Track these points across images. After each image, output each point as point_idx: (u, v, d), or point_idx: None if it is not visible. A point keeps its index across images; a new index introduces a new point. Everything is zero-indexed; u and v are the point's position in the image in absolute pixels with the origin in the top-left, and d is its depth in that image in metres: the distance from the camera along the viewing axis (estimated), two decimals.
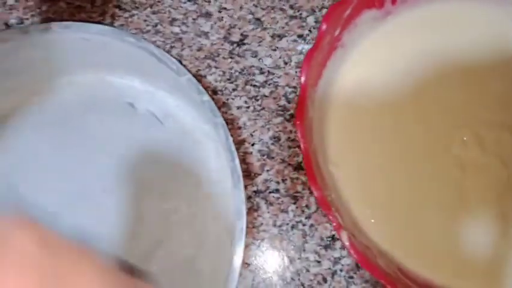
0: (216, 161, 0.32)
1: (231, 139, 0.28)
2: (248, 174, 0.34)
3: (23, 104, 0.34)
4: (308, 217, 0.32)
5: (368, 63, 0.29)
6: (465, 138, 0.27)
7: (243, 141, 0.35)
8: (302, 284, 0.31)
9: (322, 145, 0.27)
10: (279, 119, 0.35)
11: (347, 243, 0.22)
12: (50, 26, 0.30)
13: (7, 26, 0.39)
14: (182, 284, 0.30)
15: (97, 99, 0.34)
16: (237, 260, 0.25)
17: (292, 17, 0.37)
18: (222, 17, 0.38)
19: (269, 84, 0.36)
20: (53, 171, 0.32)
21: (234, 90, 0.36)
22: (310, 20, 0.37)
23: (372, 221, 0.26)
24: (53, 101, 0.34)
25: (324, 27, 0.26)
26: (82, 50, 0.32)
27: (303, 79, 0.25)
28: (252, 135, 0.35)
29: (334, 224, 0.22)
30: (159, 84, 0.33)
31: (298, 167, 0.33)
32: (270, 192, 0.33)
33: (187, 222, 0.31)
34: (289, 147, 0.34)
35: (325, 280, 0.31)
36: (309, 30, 0.37)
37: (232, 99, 0.36)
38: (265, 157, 0.34)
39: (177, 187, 0.32)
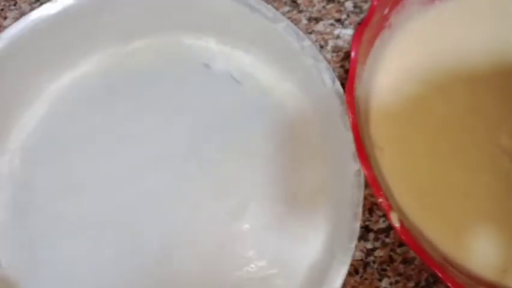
0: (299, 119, 0.31)
1: (338, 83, 0.27)
2: None
3: (99, 66, 0.33)
4: None
5: (416, 47, 0.28)
6: None
7: None
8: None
9: (367, 127, 0.26)
10: None
11: (397, 224, 0.21)
12: None
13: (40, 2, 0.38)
14: (278, 240, 0.29)
15: (173, 61, 0.33)
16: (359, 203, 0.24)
17: (329, 1, 0.36)
18: None
19: None
20: (130, 136, 0.32)
21: None
22: (349, 4, 0.36)
23: (418, 210, 0.25)
24: (129, 63, 0.34)
25: (375, 2, 0.25)
26: (163, 9, 0.31)
27: (353, 54, 0.24)
28: None
29: (383, 204, 0.21)
30: (237, 43, 0.32)
31: None
32: None
33: (273, 183, 0.30)
34: None
35: (356, 271, 0.30)
36: (347, 15, 0.36)
37: None
38: None
39: (260, 148, 0.31)
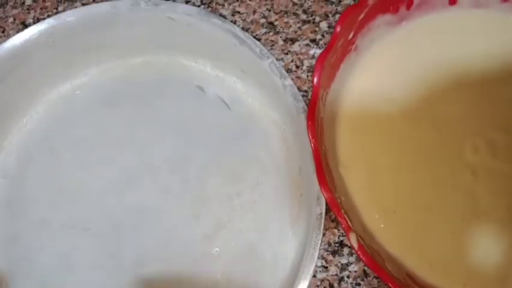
0: (281, 148, 0.33)
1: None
2: None
3: (97, 79, 0.35)
4: None
5: (382, 67, 0.29)
6: (477, 144, 0.27)
7: None
8: None
9: (332, 147, 0.27)
10: None
11: (355, 245, 0.22)
12: (139, 2, 0.31)
13: (24, 25, 0.40)
14: (244, 266, 0.30)
15: (169, 80, 0.35)
16: (316, 246, 0.25)
17: (305, 22, 0.37)
18: (235, 21, 0.38)
19: None
20: (121, 147, 0.33)
21: None
22: (324, 25, 0.37)
23: (382, 226, 0.26)
24: (126, 78, 0.35)
25: (338, 29, 0.26)
26: (164, 31, 0.33)
27: (315, 80, 0.25)
28: None
29: (343, 225, 0.22)
30: (230, 70, 0.34)
31: None
32: None
33: (250, 207, 0.31)
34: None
35: (331, 286, 0.30)
36: (322, 35, 0.37)
37: None
38: None
39: (242, 172, 0.32)
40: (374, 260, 0.22)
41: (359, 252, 0.22)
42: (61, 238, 0.32)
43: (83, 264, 0.31)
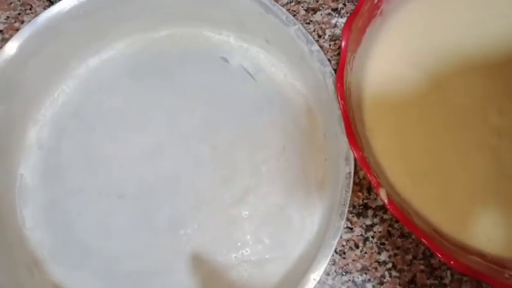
0: (305, 116, 0.34)
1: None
2: None
3: (125, 51, 0.36)
4: None
5: (407, 33, 0.29)
6: (502, 106, 0.28)
7: None
8: (335, 250, 0.31)
9: (359, 111, 0.28)
10: None
11: (385, 199, 0.23)
12: None
13: (50, 2, 0.41)
14: (272, 228, 0.31)
15: (193, 52, 0.36)
16: (346, 203, 0.26)
17: None
18: None
19: None
20: (150, 117, 0.35)
21: None
22: None
23: (410, 186, 0.27)
24: (152, 51, 0.36)
25: None
26: (189, 2, 0.33)
27: (343, 43, 0.25)
28: None
29: (373, 182, 0.23)
30: (254, 40, 0.35)
31: None
32: None
33: (276, 172, 0.32)
34: None
35: (357, 246, 0.32)
36: (344, 4, 0.37)
37: None
38: None
39: (267, 139, 0.33)
40: (403, 213, 0.23)
41: (388, 206, 0.23)
42: (97, 205, 0.33)
43: (119, 230, 0.32)
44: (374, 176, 0.23)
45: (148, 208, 0.32)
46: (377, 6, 0.28)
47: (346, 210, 0.26)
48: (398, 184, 0.27)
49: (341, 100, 0.24)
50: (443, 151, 0.27)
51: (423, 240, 0.22)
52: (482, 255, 0.25)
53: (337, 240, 0.26)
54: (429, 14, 0.30)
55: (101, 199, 0.33)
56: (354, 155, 0.23)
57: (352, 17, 0.25)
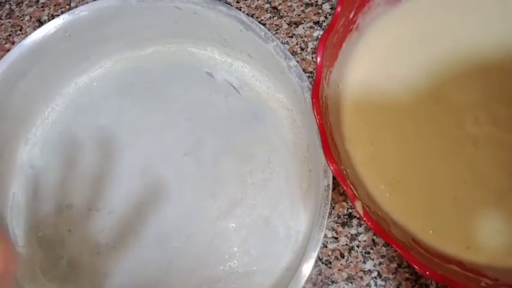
0: (289, 128, 0.34)
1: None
2: None
3: (112, 69, 0.38)
4: None
5: (383, 45, 0.30)
6: (478, 116, 0.28)
7: None
8: (320, 259, 0.32)
9: (337, 123, 0.28)
10: None
11: (361, 212, 0.23)
12: None
13: (40, 22, 0.42)
14: (259, 239, 0.32)
15: (179, 68, 0.37)
16: (325, 215, 0.27)
17: (308, 5, 0.38)
18: (240, 7, 0.39)
19: None
20: (139, 133, 0.36)
21: None
22: (326, 6, 0.38)
23: (388, 195, 0.27)
24: (139, 68, 0.37)
25: (339, 9, 0.27)
26: (171, 20, 0.34)
27: (318, 59, 0.26)
28: None
29: (348, 194, 0.24)
30: (237, 55, 0.36)
31: None
32: None
33: (262, 184, 0.33)
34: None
35: (342, 255, 0.32)
36: (325, 17, 0.38)
37: None
38: None
39: (253, 152, 0.34)
40: (379, 224, 0.23)
41: (364, 218, 0.23)
42: (87, 221, 0.34)
43: (108, 245, 0.33)
44: (350, 188, 0.24)
45: (136, 223, 0.33)
46: (352, 21, 0.29)
47: (325, 222, 0.26)
48: (376, 194, 0.27)
49: (317, 115, 0.25)
50: (418, 160, 0.28)
51: (399, 251, 0.23)
52: (460, 263, 0.25)
53: (317, 252, 0.26)
54: (405, 25, 0.31)
55: (91, 215, 0.34)
56: (330, 168, 0.24)
57: (326, 33, 0.26)
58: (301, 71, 0.30)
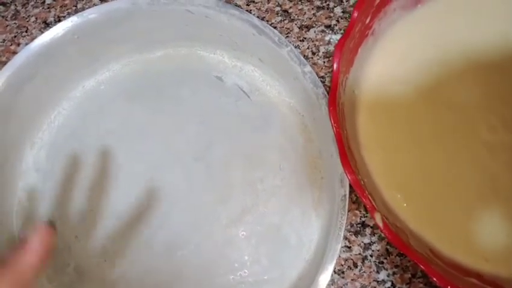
0: (301, 134, 0.34)
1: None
2: None
3: (120, 73, 0.37)
4: None
5: (399, 51, 0.29)
6: (493, 123, 0.28)
7: None
8: (334, 270, 0.31)
9: (354, 131, 0.28)
10: None
11: (380, 224, 0.23)
12: None
13: (46, 24, 0.41)
14: (270, 248, 0.31)
15: (188, 72, 0.36)
16: (342, 226, 0.26)
17: (319, 8, 0.37)
18: (251, 10, 0.38)
19: None
20: (147, 137, 0.35)
21: None
22: (338, 10, 0.37)
23: (404, 205, 0.27)
24: (148, 71, 0.37)
25: (355, 14, 0.26)
26: (182, 23, 0.34)
27: (335, 66, 0.25)
28: None
29: (368, 205, 0.23)
30: (248, 59, 0.35)
31: None
32: None
33: (272, 191, 0.32)
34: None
35: (355, 265, 0.31)
36: (337, 21, 0.37)
37: None
38: None
39: (263, 158, 0.33)
40: (399, 237, 0.22)
41: (384, 231, 0.23)
42: (96, 228, 0.33)
43: (117, 252, 0.33)
44: (369, 199, 0.23)
45: (145, 230, 0.33)
46: (368, 26, 0.28)
47: (342, 234, 0.26)
48: (393, 203, 0.27)
49: (334, 123, 0.24)
50: (434, 167, 0.27)
51: (420, 266, 0.22)
52: (479, 275, 0.25)
53: (333, 264, 0.26)
54: (420, 30, 0.30)
55: (98, 221, 0.33)
56: (348, 178, 0.23)
57: (343, 39, 0.25)
58: (316, 77, 0.29)
